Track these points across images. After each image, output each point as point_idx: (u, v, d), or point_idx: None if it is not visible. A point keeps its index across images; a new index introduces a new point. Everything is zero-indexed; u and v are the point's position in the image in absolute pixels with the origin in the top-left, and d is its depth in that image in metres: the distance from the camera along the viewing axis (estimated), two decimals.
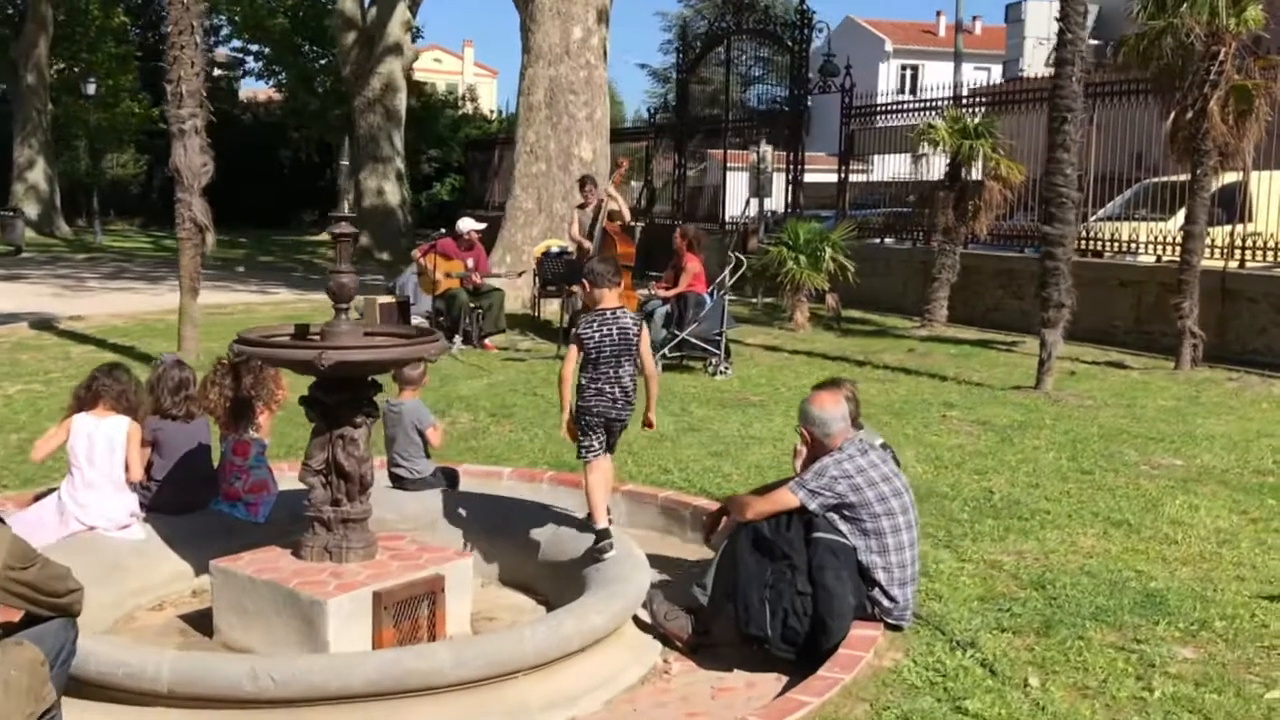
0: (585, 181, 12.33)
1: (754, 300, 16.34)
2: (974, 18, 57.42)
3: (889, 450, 4.89)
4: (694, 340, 10.55)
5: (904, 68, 57.11)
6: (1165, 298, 11.94)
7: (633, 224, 12.40)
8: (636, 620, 4.68)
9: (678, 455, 7.36)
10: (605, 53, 14.66)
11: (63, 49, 33.55)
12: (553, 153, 14.11)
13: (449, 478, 6.00)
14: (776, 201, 21.09)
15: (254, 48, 39.01)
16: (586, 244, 11.95)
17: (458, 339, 11.48)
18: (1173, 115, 11.15)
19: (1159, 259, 13.39)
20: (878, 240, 18.74)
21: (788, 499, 4.46)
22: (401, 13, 25.79)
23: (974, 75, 42.83)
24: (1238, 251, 12.51)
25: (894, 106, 19.07)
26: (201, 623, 4.72)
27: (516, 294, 13.31)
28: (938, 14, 60.20)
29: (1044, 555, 5.52)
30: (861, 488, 4.41)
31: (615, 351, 5.04)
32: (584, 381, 5.08)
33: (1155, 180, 14.46)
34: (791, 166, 20.83)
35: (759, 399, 9.40)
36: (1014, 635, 4.49)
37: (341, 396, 4.51)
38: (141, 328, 12.58)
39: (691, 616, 4.59)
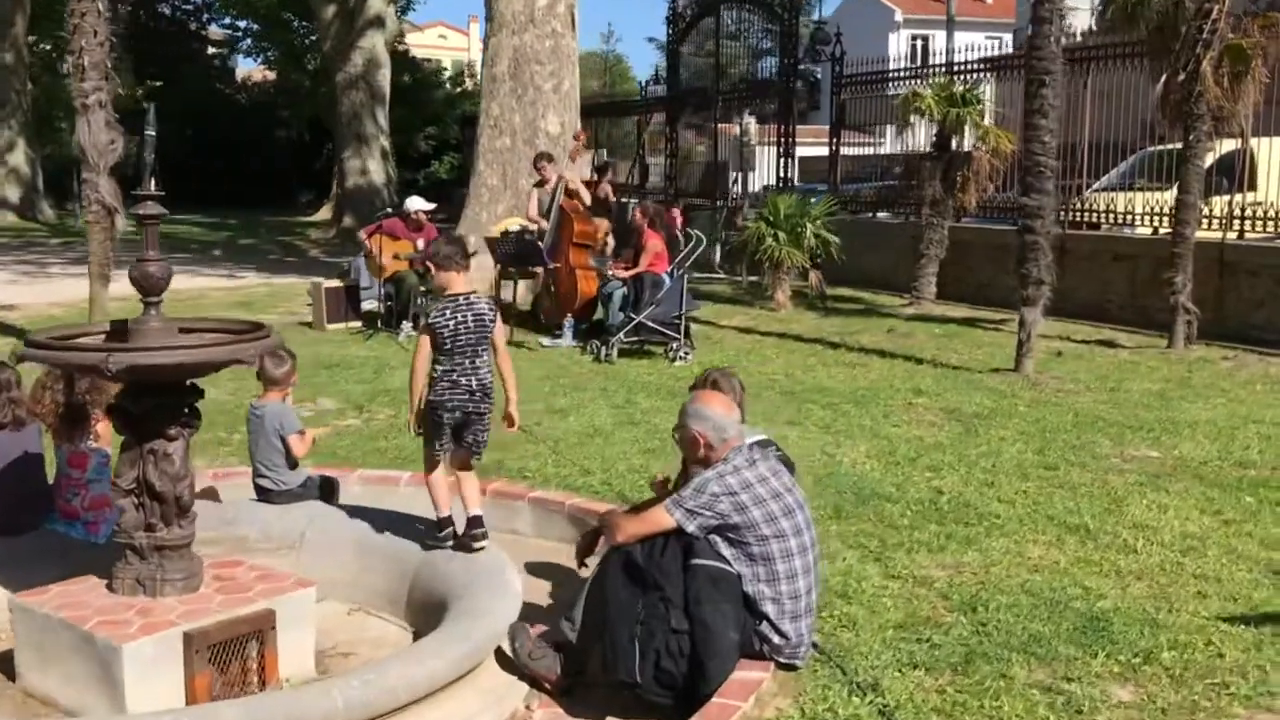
0: (540, 157, 11.70)
1: (740, 279, 15.71)
2: None
3: (773, 448, 4.30)
4: (651, 324, 9.94)
5: (914, 38, 56.01)
6: (1161, 272, 11.25)
7: (615, 201, 11.72)
8: (501, 657, 4.09)
9: (606, 453, 6.76)
10: (574, 21, 13.98)
11: (42, 27, 32.95)
12: (517, 126, 13.47)
13: (326, 488, 5.42)
14: (767, 176, 20.41)
15: (242, 24, 38.32)
16: (543, 224, 11.34)
17: (406, 325, 10.89)
18: (1163, 78, 10.45)
19: (1155, 231, 12.69)
20: (870, 215, 18.08)
21: (662, 519, 3.86)
22: None
23: (985, 44, 41.91)
24: (1237, 222, 11.80)
25: (887, 75, 18.30)
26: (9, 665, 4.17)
27: (482, 276, 12.68)
28: None
29: (984, 569, 4.91)
30: (747, 506, 3.80)
31: (471, 340, 4.59)
32: (437, 374, 4.60)
33: (1155, 149, 13.73)
34: (782, 139, 20.15)
35: None
36: (927, 673, 3.88)
37: (150, 404, 3.92)
38: (79, 317, 12.03)
39: (561, 655, 4.01)
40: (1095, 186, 14.35)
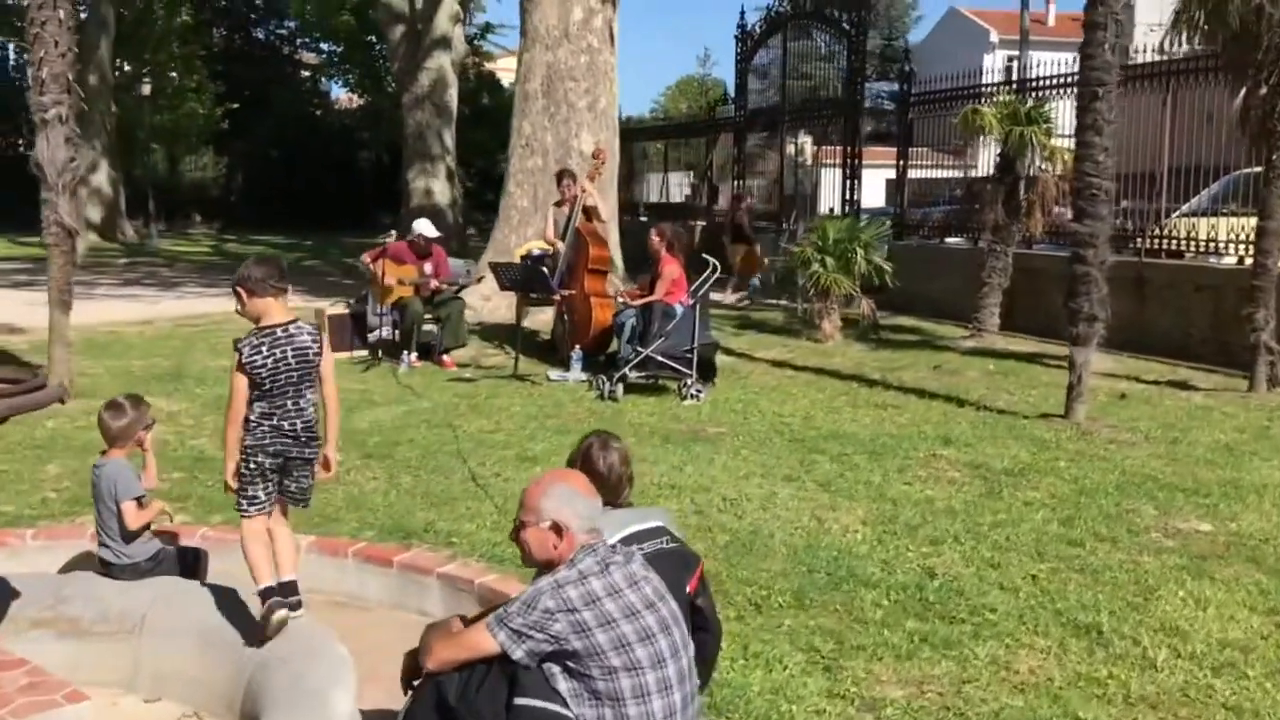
0: (563, 175, 10.92)
1: (795, 307, 14.74)
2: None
3: (662, 540, 3.42)
4: (660, 358, 9.07)
5: (1010, 59, 54.39)
6: (1245, 305, 10.07)
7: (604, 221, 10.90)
8: None
9: None
10: (613, 36, 13.23)
11: (126, 50, 33.30)
12: (549, 145, 12.74)
13: (187, 559, 4.64)
14: (831, 199, 19.42)
15: (326, 48, 38.43)
16: (559, 245, 10.55)
17: (407, 355, 10.17)
18: (1243, 92, 9.32)
19: (1240, 260, 11.47)
20: (938, 240, 17.00)
21: (481, 642, 2.98)
22: (449, 4, 24.65)
23: (1072, 63, 40.28)
24: None
25: (955, 93, 17.19)
26: None
27: (506, 302, 11.97)
28: (1047, 1, 57.35)
29: (955, 686, 3.95)
30: (590, 628, 2.90)
31: (293, 379, 3.94)
32: (254, 417, 3.90)
33: (1247, 171, 12.50)
34: (847, 161, 19.17)
35: (716, 431, 7.90)
36: None
37: None
38: (81, 344, 11.55)
39: None
40: (1179, 211, 13.14)
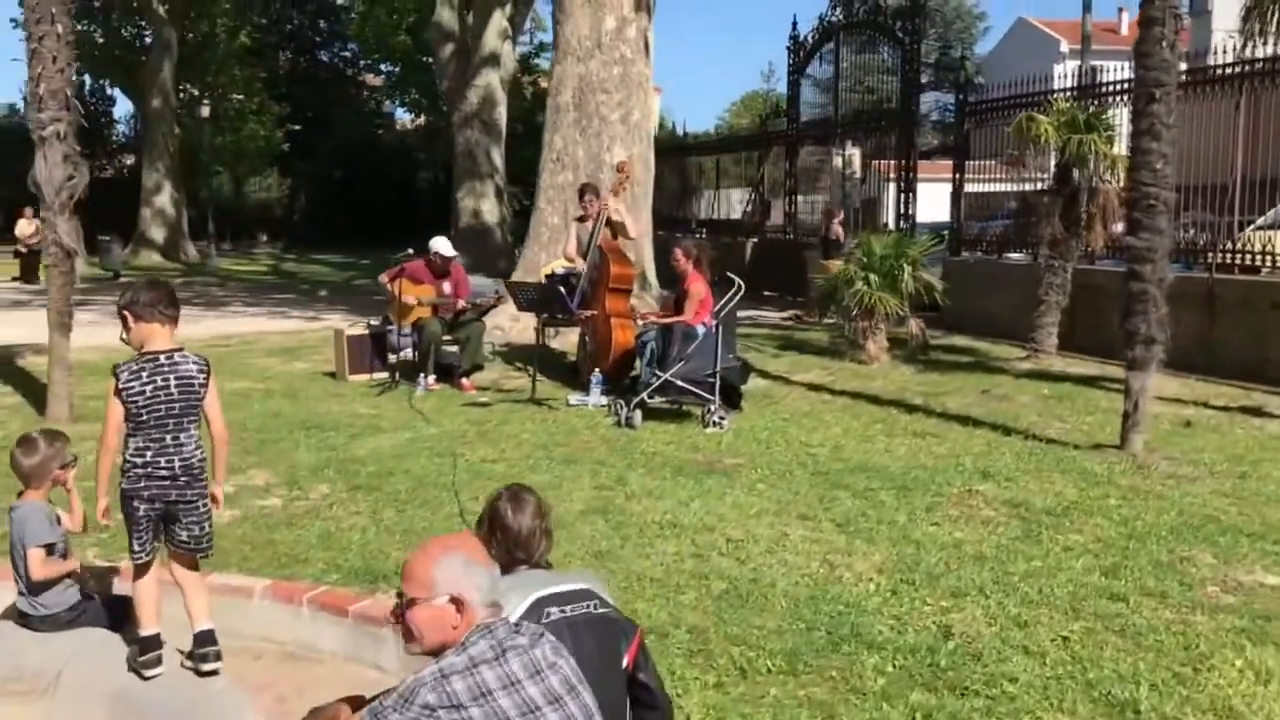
0: (585, 190, 10.43)
1: (842, 325, 14.10)
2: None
3: (588, 605, 2.89)
4: (680, 383, 8.50)
5: (1086, 77, 53.10)
6: None
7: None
8: None
9: None
10: (648, 47, 12.73)
11: (189, 73, 33.55)
12: (581, 160, 12.26)
13: (116, 610, 4.17)
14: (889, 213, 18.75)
15: (385, 68, 38.49)
16: (580, 264, 10.06)
17: (424, 378, 9.72)
18: None
19: None
20: (996, 255, 16.26)
21: None
22: (499, 21, 24.34)
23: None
24: None
25: (1016, 100, 16.44)
26: None
27: (535, 322, 11.49)
28: (1120, 10, 55.96)
29: None
30: None
31: (173, 411, 3.65)
32: (129, 453, 3.61)
33: None
34: (904, 173, 18.49)
35: (734, 463, 7.31)
36: None
37: None
38: (99, 363, 11.24)
39: None
40: (1256, 225, 12.33)
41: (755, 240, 23.24)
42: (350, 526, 5.74)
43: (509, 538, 3.05)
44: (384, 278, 10.10)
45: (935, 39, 44.34)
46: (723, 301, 8.77)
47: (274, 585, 4.78)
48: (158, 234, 32.22)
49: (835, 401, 9.75)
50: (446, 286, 10.09)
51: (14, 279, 23.04)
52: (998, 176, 16.70)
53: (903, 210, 18.29)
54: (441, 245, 10.08)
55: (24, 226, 24.12)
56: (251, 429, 8.01)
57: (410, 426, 8.25)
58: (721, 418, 8.36)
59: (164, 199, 32.27)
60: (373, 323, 10.64)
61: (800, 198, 21.81)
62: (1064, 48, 54.74)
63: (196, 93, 34.52)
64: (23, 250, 23.60)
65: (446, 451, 7.42)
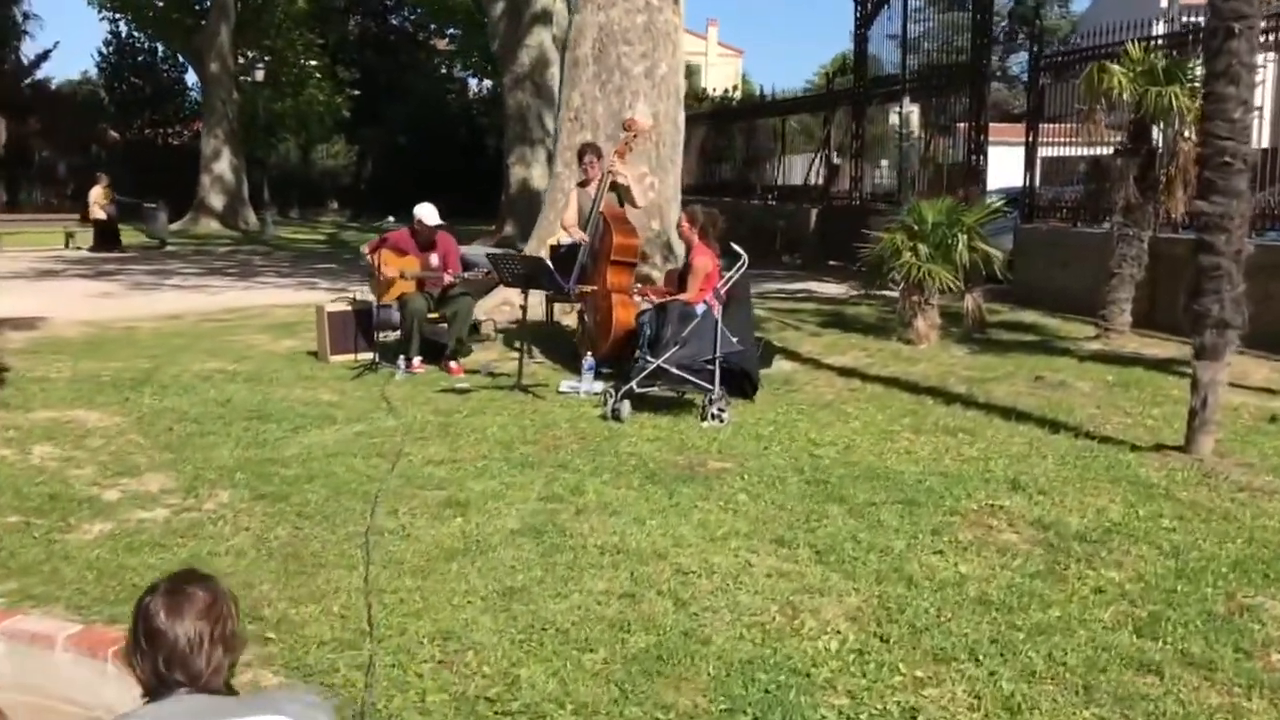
0: (586, 151, 9.42)
1: (893, 296, 12.92)
2: None
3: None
4: (674, 370, 7.46)
5: (1187, 25, 50.42)
6: None
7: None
8: None
9: (441, 596, 4.40)
10: None
11: (249, 37, 33.04)
12: (600, 118, 11.22)
13: None
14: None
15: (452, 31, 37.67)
16: (580, 235, 9.07)
17: (403, 360, 8.82)
18: None
19: None
20: (1070, 224, 14.89)
21: None
22: None
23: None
24: None
25: (1094, 53, 14.97)
26: None
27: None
28: None
29: None
30: None
31: None
32: None
33: None
34: (974, 134, 17.12)
35: (720, 467, 6.27)
36: None
37: None
38: (74, 339, 10.54)
39: None
40: None
41: (820, 207, 22.00)
42: (227, 549, 4.82)
43: (159, 649, 2.09)
44: (366, 249, 9.17)
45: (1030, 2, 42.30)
46: (726, 278, 7.68)
47: (77, 636, 3.88)
48: (217, 201, 31.83)
49: (865, 389, 8.64)
50: (434, 259, 9.15)
51: (90, 248, 22.65)
52: (1076, 139, 15.26)
53: (971, 173, 16.92)
54: (426, 212, 9.13)
55: (97, 193, 23.79)
56: (189, 419, 7.17)
57: (368, 417, 7.34)
58: (721, 410, 7.31)
59: (223, 165, 31.86)
60: (359, 297, 9.74)
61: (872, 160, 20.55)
62: (1163, 2, 52.11)
63: (252, 57, 34.05)
64: (100, 218, 23.24)
65: (392, 450, 6.49)
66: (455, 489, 5.70)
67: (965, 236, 11.06)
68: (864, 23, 20.28)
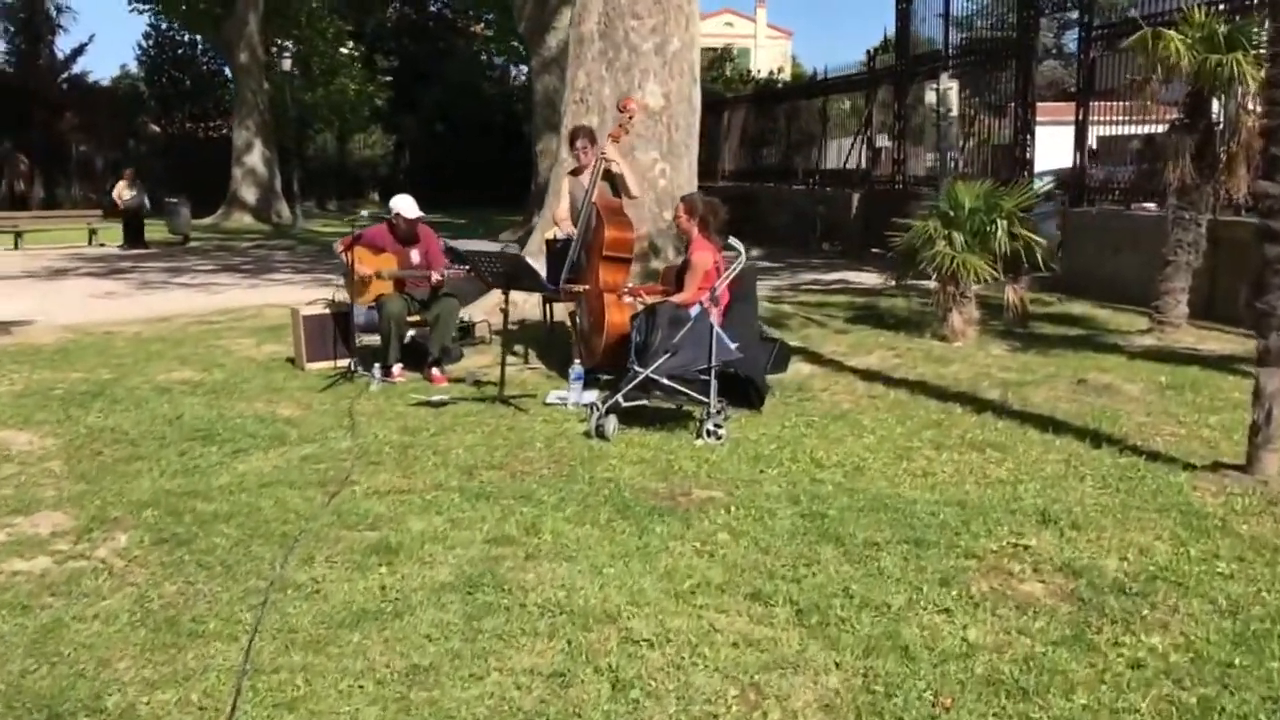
0: (578, 135, 8.64)
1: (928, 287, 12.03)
2: None
3: None
4: (664, 381, 6.65)
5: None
6: None
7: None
8: None
9: (329, 678, 3.65)
10: None
11: (277, 25, 32.55)
12: (607, 99, 10.42)
13: None
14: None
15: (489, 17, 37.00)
16: (570, 230, 8.30)
17: (379, 369, 8.11)
18: None
19: None
20: (1123, 206, 13.88)
21: None
22: None
23: None
24: None
25: (1150, 21, 13.89)
26: None
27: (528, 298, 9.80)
28: None
29: None
30: None
31: None
32: None
33: None
34: (1020, 112, 16.11)
35: (705, 496, 5.48)
36: None
37: None
38: (45, 346, 9.92)
39: None
40: None
41: (862, 191, 21.05)
42: (98, 613, 4.10)
43: None
44: (339, 246, 8.44)
45: None
46: (722, 277, 6.86)
47: None
48: (249, 194, 31.42)
49: (888, 395, 7.80)
50: (414, 255, 8.42)
51: (120, 246, 22.23)
52: (1129, 116, 14.18)
53: (1017, 155, 15.94)
54: (404, 205, 8.39)
55: (121, 188, 23.42)
56: (125, 441, 6.49)
57: (324, 437, 6.61)
58: (718, 426, 6.51)
59: (255, 158, 31.43)
60: (337, 298, 9.03)
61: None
62: None
63: (280, 48, 33.66)
64: (127, 207, 22.86)
65: (337, 478, 5.76)
66: (391, 529, 4.96)
67: (1005, 223, 10.16)
68: None
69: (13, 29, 38.46)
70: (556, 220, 8.65)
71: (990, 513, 5.16)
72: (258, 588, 4.28)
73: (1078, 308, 12.28)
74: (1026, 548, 4.72)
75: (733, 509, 5.24)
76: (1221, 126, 10.18)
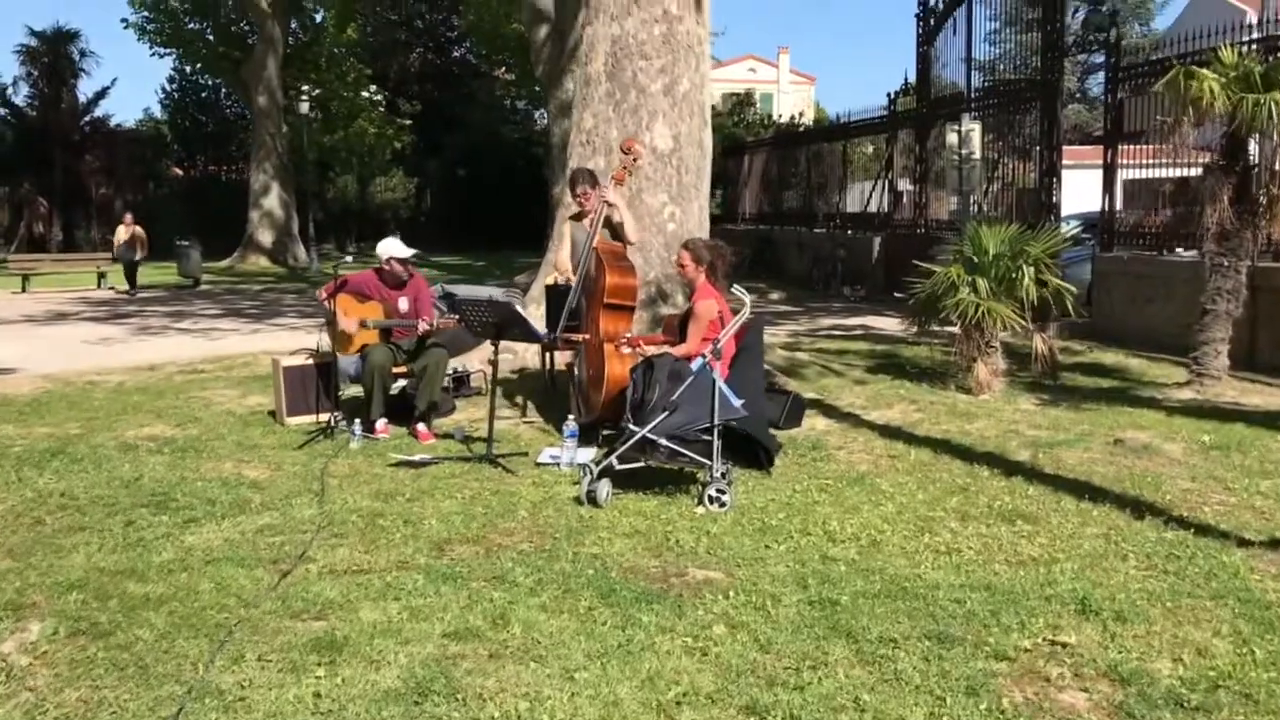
0: (578, 179, 8.12)
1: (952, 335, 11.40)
2: None
3: None
4: (662, 442, 6.07)
5: (1264, 16, 47.93)
6: None
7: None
8: None
9: None
10: (699, 1, 10.29)
11: (297, 69, 32.43)
12: (614, 142, 9.91)
13: None
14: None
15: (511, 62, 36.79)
16: (571, 276, 7.77)
17: (359, 425, 7.55)
18: None
19: None
20: (1156, 251, 13.27)
21: None
22: None
23: None
24: None
25: (1180, 60, 13.33)
26: None
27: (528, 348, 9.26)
28: None
29: None
30: None
31: None
32: None
33: None
34: (1045, 154, 15.56)
35: (702, 576, 4.89)
36: None
37: None
38: (19, 397, 9.43)
39: None
40: None
41: (884, 235, 20.51)
42: None
43: None
44: (322, 294, 7.92)
45: (1105, 10, 40.47)
46: (726, 329, 6.29)
47: None
48: (265, 237, 31.17)
49: (909, 455, 7.20)
50: (403, 303, 7.90)
51: (123, 291, 21.90)
52: (1159, 159, 13.57)
53: (1043, 199, 15.37)
54: (394, 248, 7.88)
55: (121, 233, 23.15)
56: (72, 508, 5.95)
57: (288, 504, 6.05)
58: (721, 492, 5.92)
59: (272, 200, 31.19)
60: (321, 348, 8.50)
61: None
62: (1251, 18, 49.74)
63: (299, 91, 33.57)
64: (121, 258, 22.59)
65: (292, 554, 5.20)
66: (340, 618, 4.38)
67: (1031, 269, 9.59)
68: (926, 39, 18.84)
69: (35, 72, 38.52)
70: (557, 267, 8.14)
71: (1023, 600, 4.55)
72: (173, 695, 3.71)
73: (1110, 358, 11.67)
74: (1065, 645, 4.11)
75: (732, 594, 4.64)
76: (1260, 168, 9.63)
